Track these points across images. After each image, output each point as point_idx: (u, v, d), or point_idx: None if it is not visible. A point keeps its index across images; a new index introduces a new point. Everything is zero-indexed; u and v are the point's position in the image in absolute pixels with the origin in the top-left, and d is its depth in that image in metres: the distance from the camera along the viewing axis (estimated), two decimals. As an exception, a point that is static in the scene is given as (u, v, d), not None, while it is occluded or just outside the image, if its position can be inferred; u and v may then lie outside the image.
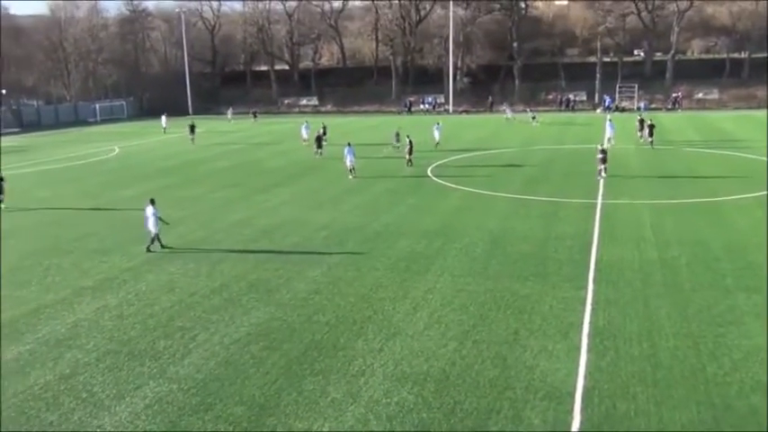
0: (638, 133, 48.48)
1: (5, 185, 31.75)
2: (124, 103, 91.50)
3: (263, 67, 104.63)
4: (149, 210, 22.63)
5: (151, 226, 22.63)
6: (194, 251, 22.72)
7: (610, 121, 47.94)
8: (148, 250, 22.61)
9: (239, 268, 20.58)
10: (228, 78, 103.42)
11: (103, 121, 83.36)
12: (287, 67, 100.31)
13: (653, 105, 78.38)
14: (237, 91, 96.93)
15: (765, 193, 28.55)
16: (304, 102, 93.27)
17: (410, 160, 39.02)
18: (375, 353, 14.35)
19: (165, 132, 65.84)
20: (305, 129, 53.27)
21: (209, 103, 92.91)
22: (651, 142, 44.45)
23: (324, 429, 11.55)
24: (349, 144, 36.90)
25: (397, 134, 46.72)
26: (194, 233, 25.20)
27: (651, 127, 45.08)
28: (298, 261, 21.16)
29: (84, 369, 14.04)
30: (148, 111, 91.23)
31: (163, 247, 22.91)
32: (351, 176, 35.59)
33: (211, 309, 17.30)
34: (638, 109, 76.76)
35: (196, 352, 14.70)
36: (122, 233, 25.57)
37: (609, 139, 45.05)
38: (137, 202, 31.32)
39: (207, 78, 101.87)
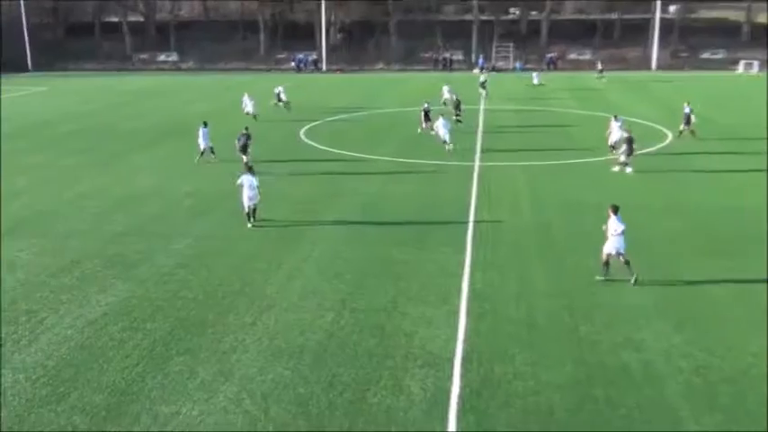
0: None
1: None
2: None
3: (115, 19, 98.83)
4: (246, 178, 20.65)
5: (245, 199, 20.66)
6: (39, 225, 21.38)
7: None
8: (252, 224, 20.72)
9: (92, 243, 19.61)
10: (74, 30, 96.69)
11: None
12: (142, 19, 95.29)
13: (528, 65, 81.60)
14: (85, 44, 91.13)
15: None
16: (162, 58, 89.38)
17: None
18: (247, 328, 14.22)
19: None
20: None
21: (54, 57, 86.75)
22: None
23: (193, 412, 11.34)
24: (205, 124, 30.43)
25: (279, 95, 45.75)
26: (38, 205, 23.68)
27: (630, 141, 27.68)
28: (159, 233, 20.45)
29: None
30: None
31: (253, 224, 20.81)
32: (197, 160, 30.18)
33: (61, 288, 16.41)
34: (514, 69, 79.88)
35: (45, 337, 13.93)
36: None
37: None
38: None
39: (49, 29, 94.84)
